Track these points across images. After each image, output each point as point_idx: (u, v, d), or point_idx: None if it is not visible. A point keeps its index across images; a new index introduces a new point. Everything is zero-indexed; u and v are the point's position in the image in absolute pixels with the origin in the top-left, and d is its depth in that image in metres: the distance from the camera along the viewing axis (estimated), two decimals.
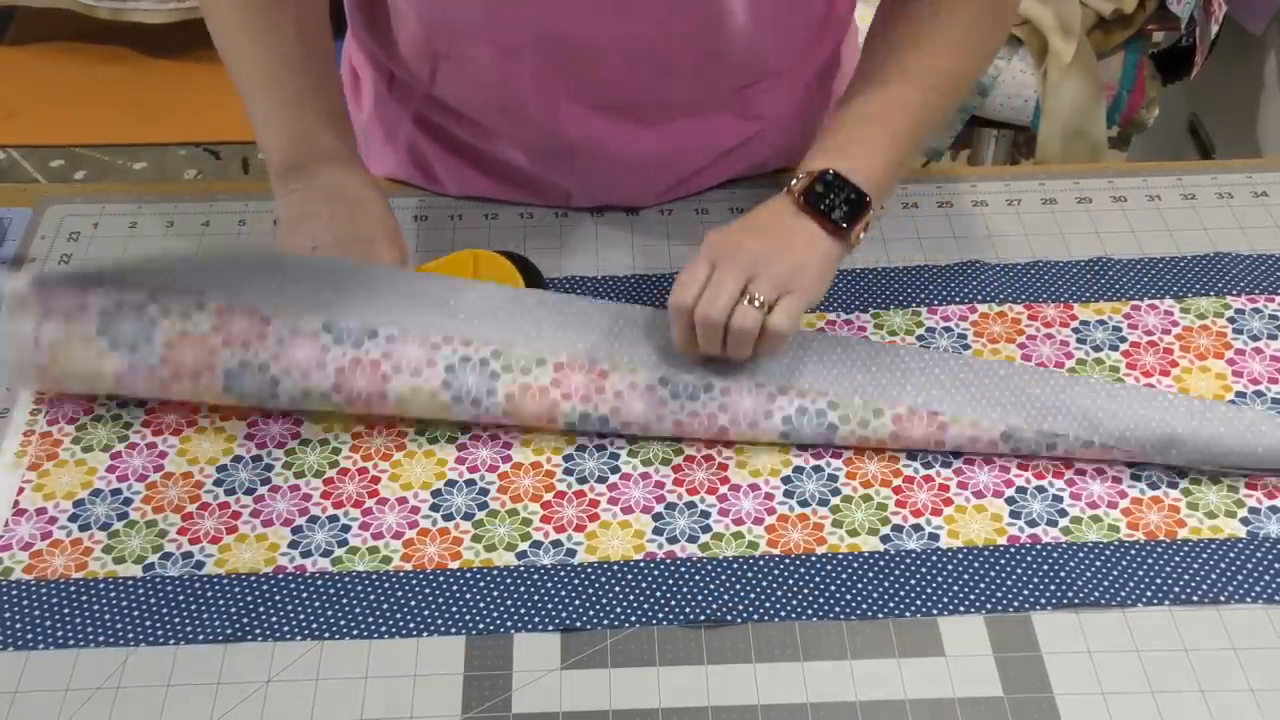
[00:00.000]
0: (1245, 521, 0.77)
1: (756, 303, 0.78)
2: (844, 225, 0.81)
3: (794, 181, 0.83)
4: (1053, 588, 0.74)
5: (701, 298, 0.79)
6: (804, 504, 0.79)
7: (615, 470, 0.81)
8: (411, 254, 0.96)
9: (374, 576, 0.76)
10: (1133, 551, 0.76)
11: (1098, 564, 0.75)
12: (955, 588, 0.74)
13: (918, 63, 0.85)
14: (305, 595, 0.75)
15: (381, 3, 0.93)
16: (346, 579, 0.76)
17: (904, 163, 0.86)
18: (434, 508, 0.79)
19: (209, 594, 0.75)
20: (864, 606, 0.74)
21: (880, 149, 0.84)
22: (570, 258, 0.96)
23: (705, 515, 0.79)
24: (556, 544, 0.77)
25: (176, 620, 0.73)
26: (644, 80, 0.90)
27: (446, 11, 0.88)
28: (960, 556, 0.76)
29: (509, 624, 0.73)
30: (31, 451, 0.83)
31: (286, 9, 0.87)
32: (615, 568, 0.76)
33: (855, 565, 0.76)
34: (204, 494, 0.80)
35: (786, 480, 0.81)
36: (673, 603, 0.74)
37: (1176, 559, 0.75)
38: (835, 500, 0.79)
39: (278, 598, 0.74)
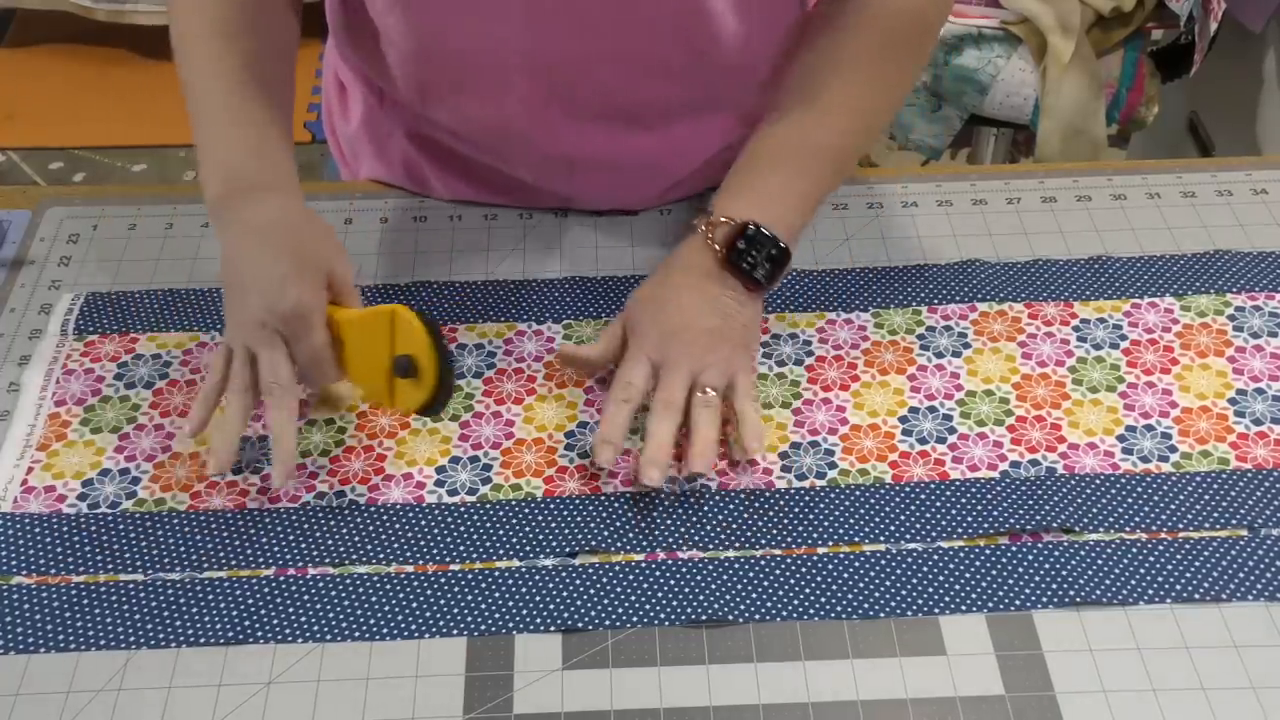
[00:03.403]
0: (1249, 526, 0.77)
1: (709, 392, 0.80)
2: (764, 282, 0.84)
3: (712, 226, 0.84)
4: (1054, 587, 0.74)
5: (656, 393, 0.80)
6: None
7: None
8: (411, 254, 0.97)
9: (375, 578, 0.76)
10: (1134, 550, 0.76)
11: (1099, 563, 0.75)
12: (957, 587, 0.74)
13: (836, 100, 0.86)
14: (306, 597, 0.75)
15: (368, 27, 0.91)
16: (348, 581, 0.76)
17: (817, 207, 0.88)
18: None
19: (210, 596, 0.75)
20: (865, 606, 0.74)
21: (800, 196, 0.86)
22: (570, 258, 0.96)
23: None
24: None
25: (178, 623, 0.73)
26: (638, 86, 0.90)
27: (433, 40, 0.87)
28: (962, 556, 0.76)
29: (510, 625, 0.73)
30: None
31: (247, 36, 0.84)
32: (616, 568, 0.76)
33: (857, 565, 0.76)
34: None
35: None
36: (674, 603, 0.74)
37: (1178, 558, 0.75)
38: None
39: (279, 599, 0.74)
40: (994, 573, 0.75)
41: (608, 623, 0.73)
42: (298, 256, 0.79)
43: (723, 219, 0.84)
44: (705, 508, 0.79)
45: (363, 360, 0.79)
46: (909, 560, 0.76)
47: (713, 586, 0.75)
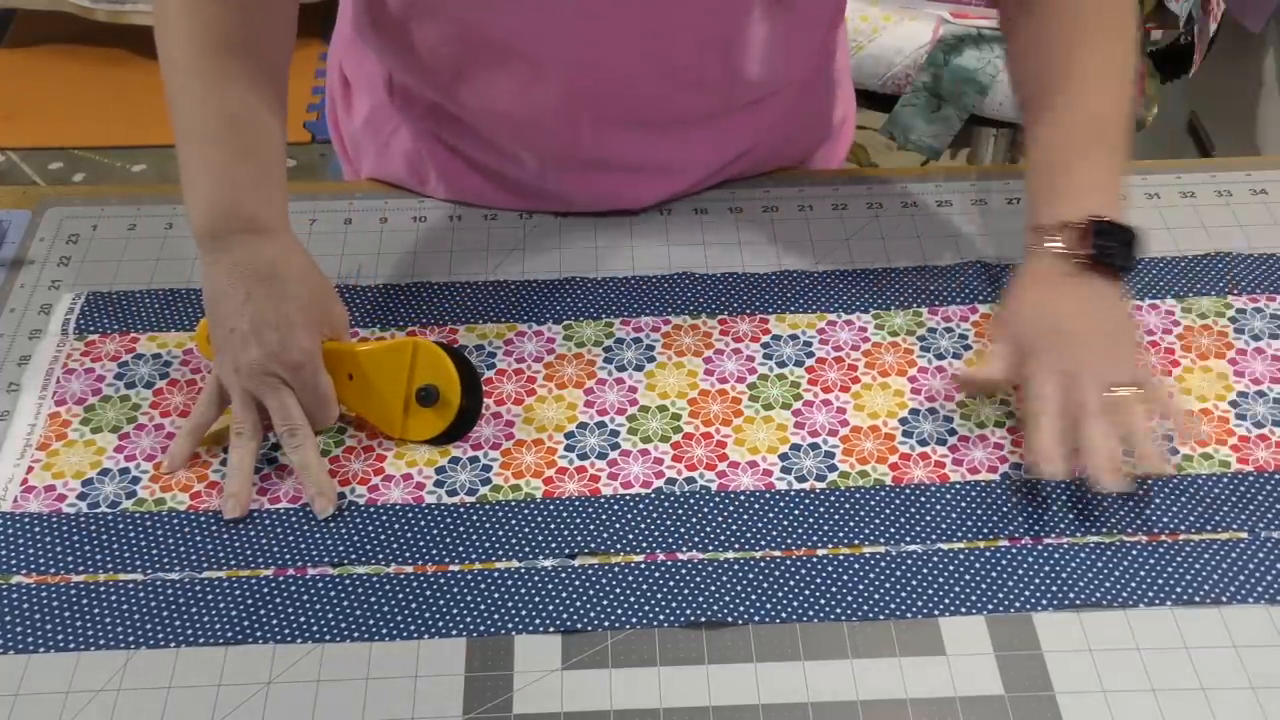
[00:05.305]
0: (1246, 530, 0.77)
1: (1125, 391, 0.77)
2: (1126, 268, 0.82)
3: (1052, 235, 0.81)
4: (1055, 590, 0.74)
5: (1078, 406, 0.76)
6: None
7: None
8: (411, 254, 0.97)
9: (375, 578, 0.76)
10: (1134, 553, 0.76)
11: (1099, 565, 0.75)
12: (957, 590, 0.74)
13: (1091, 69, 0.85)
14: (306, 597, 0.75)
15: (394, 8, 0.91)
16: (347, 581, 0.75)
17: (1124, 170, 0.85)
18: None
19: (210, 596, 0.75)
20: (865, 608, 0.74)
21: (1110, 172, 0.84)
22: (570, 259, 0.96)
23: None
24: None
25: (178, 622, 0.73)
26: (671, 97, 0.91)
27: (477, 30, 0.87)
28: (962, 558, 0.76)
29: (510, 626, 0.73)
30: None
31: (240, 57, 0.81)
32: (616, 569, 0.76)
33: (856, 567, 0.76)
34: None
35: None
36: (673, 604, 0.74)
37: (1178, 560, 0.75)
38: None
39: (278, 599, 0.74)
40: (994, 575, 0.75)
41: (607, 624, 0.73)
42: (300, 303, 0.80)
43: (1062, 223, 0.82)
44: (705, 509, 0.79)
45: (379, 392, 0.82)
46: (909, 562, 0.76)
47: (712, 588, 0.75)
